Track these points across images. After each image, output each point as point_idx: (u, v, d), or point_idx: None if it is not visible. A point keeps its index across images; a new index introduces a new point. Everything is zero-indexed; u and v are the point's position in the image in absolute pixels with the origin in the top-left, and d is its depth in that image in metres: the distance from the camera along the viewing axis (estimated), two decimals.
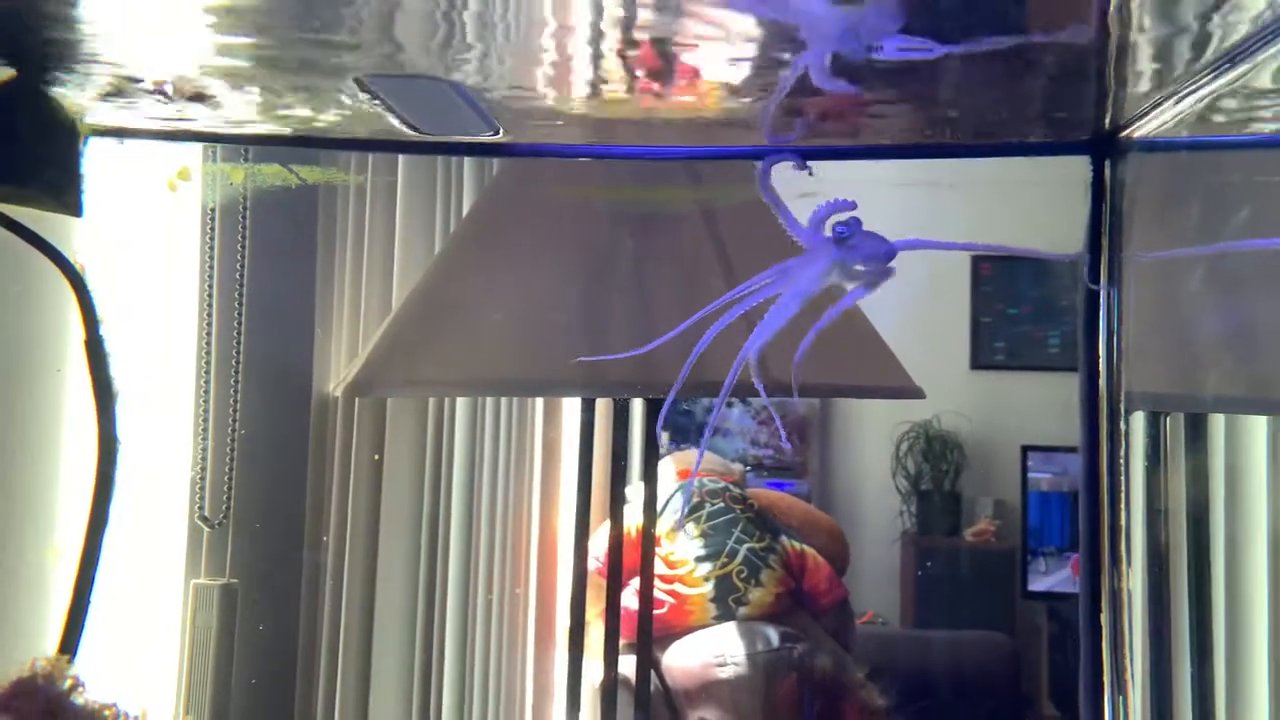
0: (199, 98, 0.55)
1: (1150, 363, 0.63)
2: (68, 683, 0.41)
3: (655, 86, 0.65)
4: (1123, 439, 0.59)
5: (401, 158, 1.25)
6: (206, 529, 1.10)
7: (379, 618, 1.34)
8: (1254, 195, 0.55)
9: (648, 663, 1.31)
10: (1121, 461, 0.59)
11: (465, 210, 1.38)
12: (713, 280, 0.91)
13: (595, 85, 0.63)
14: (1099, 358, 0.61)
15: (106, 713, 0.41)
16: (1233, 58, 0.46)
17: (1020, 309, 3.02)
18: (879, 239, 0.58)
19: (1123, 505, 0.58)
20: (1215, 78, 0.48)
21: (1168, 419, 0.77)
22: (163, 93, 0.53)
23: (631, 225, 0.96)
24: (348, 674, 1.30)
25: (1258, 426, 0.81)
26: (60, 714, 0.39)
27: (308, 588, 1.22)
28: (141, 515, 1.05)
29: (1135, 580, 0.65)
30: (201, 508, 1.09)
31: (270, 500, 1.14)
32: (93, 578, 0.55)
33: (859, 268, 0.58)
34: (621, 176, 0.90)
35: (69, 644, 0.54)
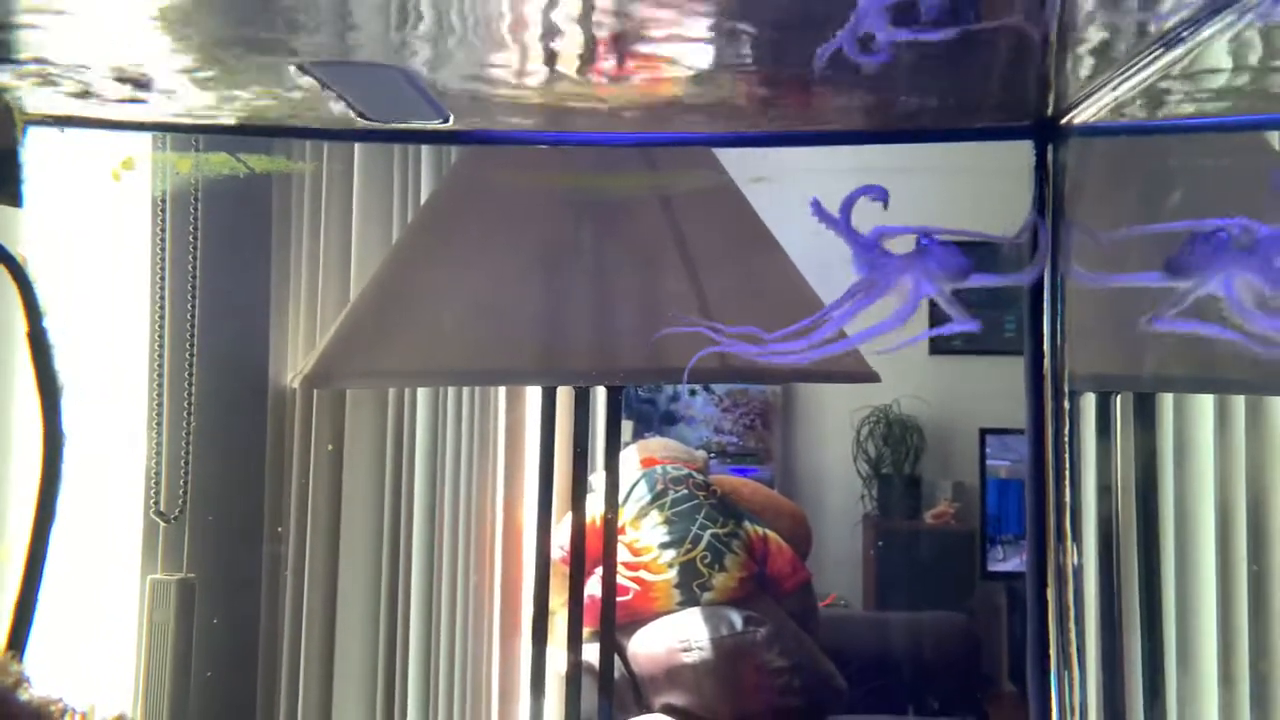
0: (141, 84, 0.54)
1: (1095, 344, 0.64)
2: (11, 679, 0.41)
3: (613, 72, 0.65)
4: (1067, 419, 0.61)
5: (358, 147, 1.24)
6: (162, 524, 1.08)
7: (341, 611, 1.33)
8: (1190, 178, 0.56)
9: (611, 650, 1.32)
10: (1066, 441, 0.60)
11: (422, 199, 1.37)
12: (670, 266, 0.92)
13: (551, 72, 0.63)
14: (1044, 339, 0.62)
15: (53, 708, 0.41)
16: (1169, 42, 0.47)
17: (979, 294, 3.05)
18: (956, 252, 0.59)
19: (1067, 483, 0.59)
20: (1152, 62, 0.49)
21: (1117, 398, 0.79)
22: (104, 80, 0.52)
23: (589, 213, 0.96)
24: (310, 667, 1.29)
25: (1205, 403, 0.83)
26: (5, 709, 0.38)
27: (267, 581, 1.21)
28: (95, 511, 1.03)
29: (1087, 556, 0.67)
30: (157, 503, 1.08)
31: (227, 494, 1.13)
32: (40, 574, 0.55)
33: (939, 276, 0.59)
34: (578, 164, 0.90)
35: (16, 641, 0.54)
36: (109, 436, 1.04)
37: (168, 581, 1.07)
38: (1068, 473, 0.59)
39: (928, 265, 0.58)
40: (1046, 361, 0.61)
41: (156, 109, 0.64)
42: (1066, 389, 0.61)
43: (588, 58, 0.62)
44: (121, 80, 0.55)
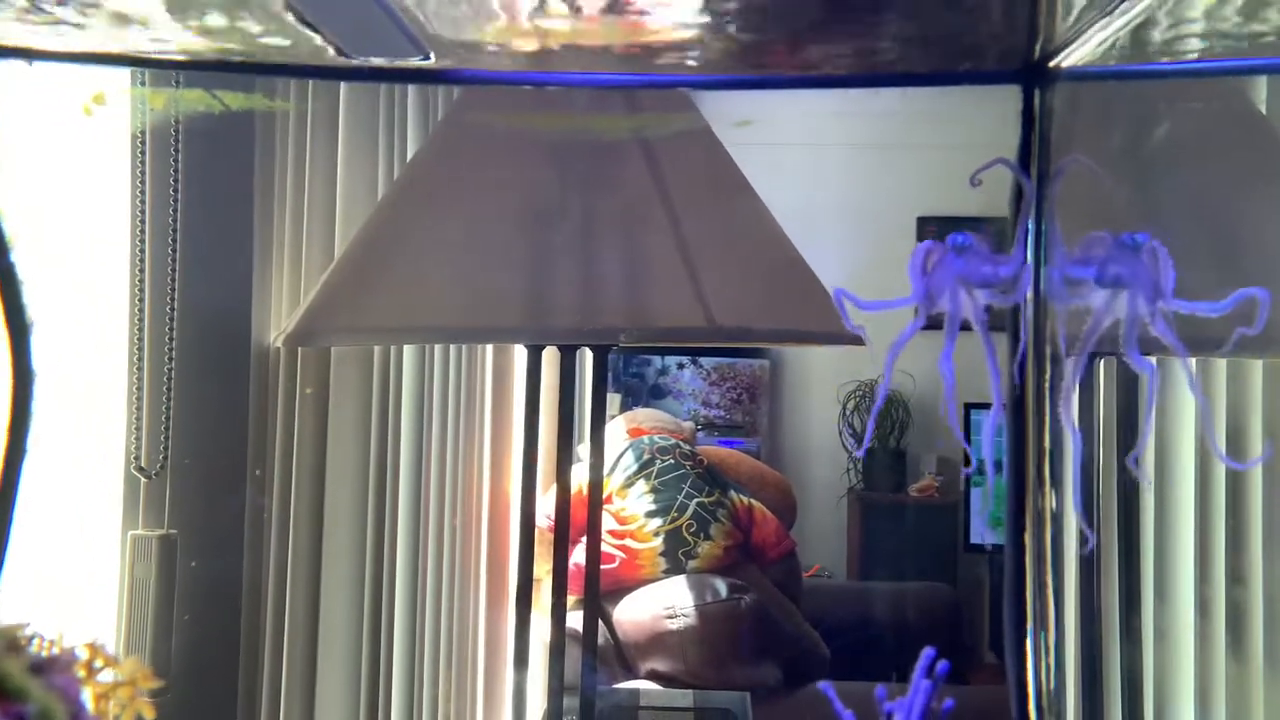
0: (112, 15, 0.53)
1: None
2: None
3: (602, 12, 0.64)
4: (1048, 364, 0.61)
5: (343, 88, 1.22)
6: (143, 480, 1.08)
7: (326, 570, 1.33)
8: (1176, 121, 0.56)
9: (596, 617, 1.32)
10: (1047, 390, 0.61)
11: (409, 144, 1.36)
12: (656, 216, 0.91)
13: (539, 9, 0.62)
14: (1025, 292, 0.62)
15: (18, 634, 0.40)
16: None
17: None
18: (994, 260, 0.58)
19: (1047, 429, 0.60)
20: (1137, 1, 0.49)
21: (1097, 359, 0.79)
22: (72, 9, 0.51)
23: (574, 164, 0.95)
24: (295, 624, 1.29)
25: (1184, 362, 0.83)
26: None
27: (251, 538, 1.20)
28: (74, 466, 1.03)
29: (1065, 503, 0.67)
30: (138, 458, 1.07)
31: (209, 450, 1.12)
32: (10, 513, 0.54)
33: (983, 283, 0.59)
34: (563, 106, 0.89)
35: None
36: (89, 392, 1.03)
37: (149, 537, 1.06)
38: (1047, 419, 0.59)
39: (963, 268, 0.57)
40: (1029, 309, 0.61)
41: (130, 41, 0.63)
42: (1049, 336, 0.61)
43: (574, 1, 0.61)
44: (89, 9, 0.53)
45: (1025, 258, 0.62)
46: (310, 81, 1.15)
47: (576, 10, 0.62)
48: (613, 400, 3.28)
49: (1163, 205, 0.61)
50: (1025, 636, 0.60)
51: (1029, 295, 0.70)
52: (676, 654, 2.01)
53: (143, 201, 0.97)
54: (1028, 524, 0.58)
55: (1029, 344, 0.69)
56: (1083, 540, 0.63)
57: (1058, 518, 0.64)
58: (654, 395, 3.66)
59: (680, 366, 3.63)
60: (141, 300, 1.02)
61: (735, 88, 0.65)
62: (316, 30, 0.55)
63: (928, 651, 0.53)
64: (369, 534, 1.37)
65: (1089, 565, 0.67)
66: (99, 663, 0.48)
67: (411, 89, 1.27)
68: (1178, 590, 0.64)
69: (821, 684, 0.61)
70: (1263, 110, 0.72)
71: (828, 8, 0.61)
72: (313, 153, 1.23)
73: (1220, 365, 0.80)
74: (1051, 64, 0.59)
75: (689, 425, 2.53)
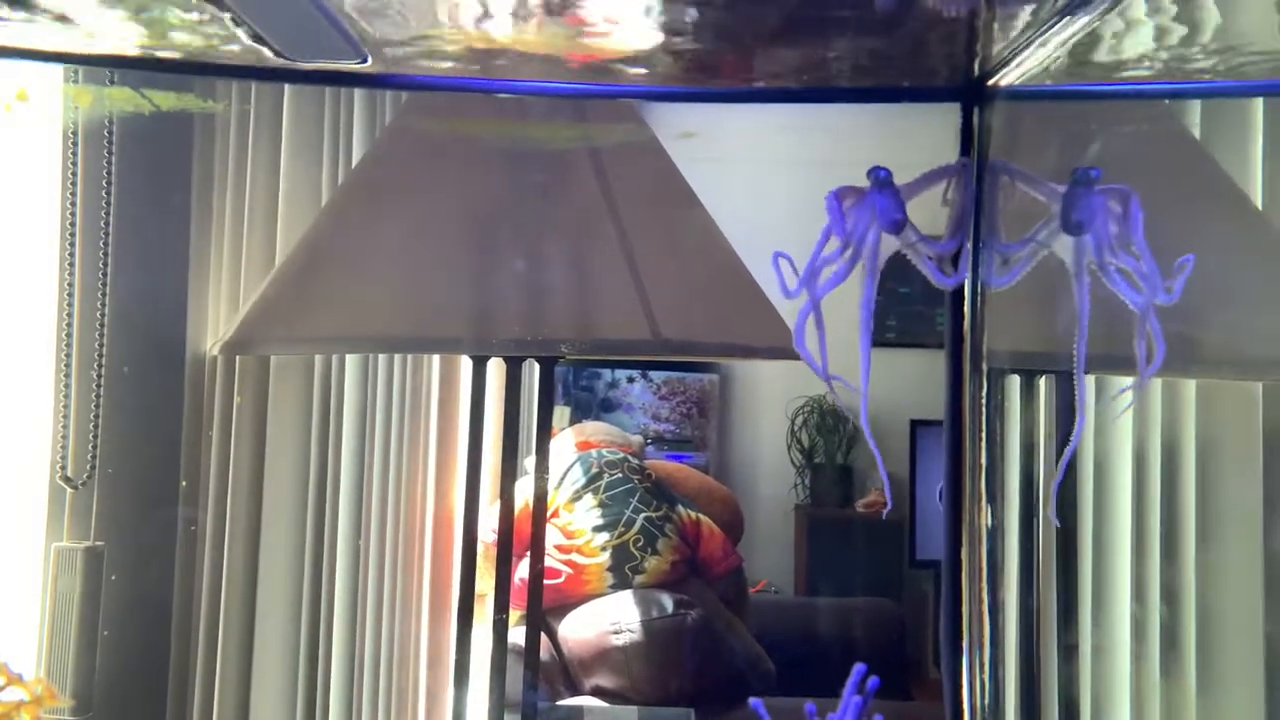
0: (33, 7, 0.51)
1: (1011, 321, 0.65)
2: None
3: (548, 24, 0.64)
4: (984, 381, 0.61)
5: (287, 91, 1.19)
6: (69, 489, 1.04)
7: (262, 586, 1.29)
8: (1110, 141, 0.57)
9: (538, 632, 1.30)
10: (984, 403, 0.61)
11: (354, 149, 1.33)
12: (600, 228, 0.90)
13: (483, 17, 0.61)
14: (964, 307, 0.63)
15: None
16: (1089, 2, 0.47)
17: (910, 288, 3.10)
18: (897, 206, 0.58)
19: (983, 444, 0.60)
20: (1075, 21, 0.50)
21: (1037, 376, 0.80)
22: None
23: (521, 172, 0.95)
24: (228, 645, 1.25)
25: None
26: None
27: (183, 552, 1.17)
28: None
29: (1009, 518, 0.68)
30: (63, 468, 1.03)
31: (139, 460, 1.08)
32: None
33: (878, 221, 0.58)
34: (510, 114, 0.88)
35: None
36: (12, 397, 1.00)
37: (74, 549, 1.03)
38: (984, 437, 0.60)
39: (876, 204, 0.57)
40: (966, 324, 0.61)
41: (64, 39, 0.61)
42: (985, 353, 0.62)
43: (522, 9, 0.60)
44: (20, 5, 0.52)
45: (963, 238, 0.63)
46: (253, 83, 1.13)
47: (522, 18, 0.62)
48: (562, 413, 3.26)
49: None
50: (961, 653, 0.60)
51: (965, 310, 0.71)
52: (621, 670, 1.99)
53: (73, 202, 0.94)
54: (964, 540, 0.58)
55: (965, 359, 0.70)
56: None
57: (994, 533, 0.65)
58: (604, 408, 3.65)
59: (630, 380, 3.62)
60: (70, 303, 0.98)
61: (682, 100, 0.65)
62: (253, 30, 0.53)
63: (859, 667, 0.53)
64: (307, 548, 1.34)
65: (1028, 582, 0.67)
66: (1, 680, 0.46)
67: (358, 93, 1.25)
68: (1113, 607, 0.65)
69: (753, 701, 0.61)
70: (1195, 134, 0.73)
71: (776, 24, 0.61)
72: (254, 156, 1.20)
73: (1154, 381, 0.81)
74: (990, 82, 0.60)
75: (638, 439, 2.53)
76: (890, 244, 0.64)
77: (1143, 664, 0.64)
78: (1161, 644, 0.63)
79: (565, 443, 2.43)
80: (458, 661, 1.26)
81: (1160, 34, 0.55)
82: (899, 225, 0.58)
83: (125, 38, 0.59)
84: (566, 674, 2.09)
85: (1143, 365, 0.56)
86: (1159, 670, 0.64)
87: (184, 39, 0.60)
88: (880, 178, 0.57)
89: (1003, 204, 0.63)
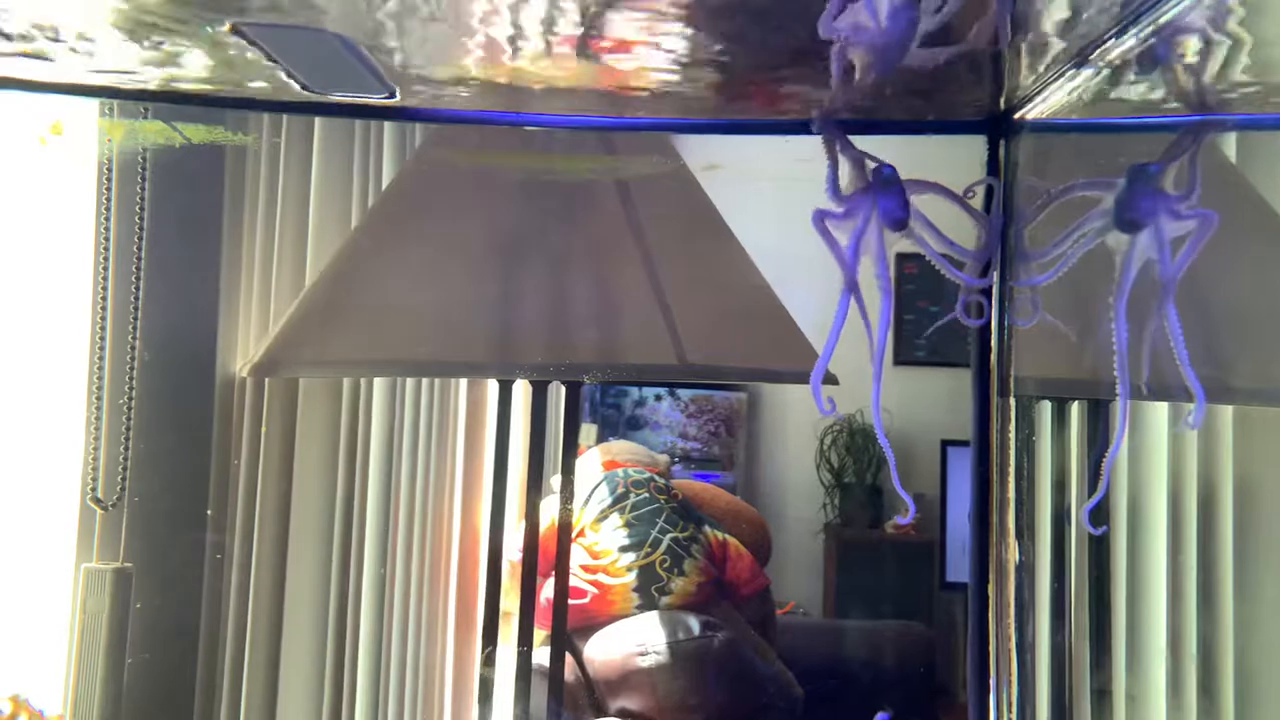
0: (65, 42, 0.51)
1: (1041, 347, 0.64)
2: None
3: (577, 58, 0.64)
4: (1012, 416, 0.60)
5: (318, 123, 1.21)
6: (99, 511, 1.05)
7: (289, 608, 1.30)
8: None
9: (562, 653, 1.30)
10: (1011, 438, 0.60)
11: (384, 180, 1.34)
12: (627, 256, 0.90)
13: (515, 52, 0.62)
14: (990, 341, 0.62)
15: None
16: (1119, 33, 0.46)
17: (942, 306, 3.07)
18: (900, 204, 0.57)
19: (1011, 480, 0.59)
20: (1102, 56, 0.49)
21: (1069, 404, 0.79)
22: (4, 35, 0.50)
23: (548, 202, 0.95)
24: (255, 661, 1.25)
25: (1160, 408, 0.83)
26: None
27: (210, 573, 1.17)
28: (29, 496, 1.00)
29: (1041, 555, 0.66)
30: (94, 489, 1.05)
31: (169, 483, 1.09)
32: None
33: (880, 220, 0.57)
34: (537, 146, 0.88)
35: None
36: (45, 419, 1.01)
37: (103, 570, 1.03)
38: (1011, 470, 0.58)
39: (879, 202, 0.56)
40: (993, 359, 0.60)
41: (91, 72, 0.62)
42: (1012, 387, 0.61)
43: (551, 43, 0.60)
44: (44, 37, 0.52)
45: (994, 248, 0.61)
46: (284, 116, 1.14)
47: (549, 53, 0.62)
48: (589, 431, 3.26)
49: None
50: (989, 690, 0.59)
51: (993, 344, 0.70)
52: (647, 692, 1.97)
53: (107, 230, 0.96)
54: (991, 575, 0.57)
55: (992, 389, 0.69)
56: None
57: (1023, 569, 0.63)
58: (631, 426, 3.64)
59: (658, 398, 3.61)
60: (103, 328, 1.00)
61: (707, 132, 0.65)
62: (278, 62, 0.54)
63: (881, 716, 0.51)
64: (334, 569, 1.35)
65: (1059, 619, 0.66)
66: (23, 716, 0.46)
67: (388, 125, 1.27)
68: (1148, 654, 0.63)
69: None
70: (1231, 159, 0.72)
71: (799, 56, 0.60)
72: (285, 185, 1.22)
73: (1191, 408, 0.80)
74: (1016, 116, 0.59)
75: (664, 459, 2.51)
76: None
77: (1178, 715, 0.62)
78: (1198, 696, 0.62)
79: (592, 461, 2.43)
80: (482, 683, 1.26)
81: (1190, 70, 0.54)
82: (901, 224, 0.56)
83: (157, 73, 0.60)
84: (592, 695, 2.08)
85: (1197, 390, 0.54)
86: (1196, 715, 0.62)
87: (215, 73, 0.60)
88: (885, 175, 0.56)
89: (1034, 215, 0.61)
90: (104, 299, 0.99)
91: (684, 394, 3.50)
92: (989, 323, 0.66)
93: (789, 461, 3.31)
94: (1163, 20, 0.44)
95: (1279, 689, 0.57)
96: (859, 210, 0.56)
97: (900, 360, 3.14)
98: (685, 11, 0.51)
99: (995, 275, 0.65)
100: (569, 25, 0.56)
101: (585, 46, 0.60)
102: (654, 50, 0.57)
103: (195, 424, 1.13)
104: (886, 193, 0.58)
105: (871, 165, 0.57)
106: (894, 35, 0.51)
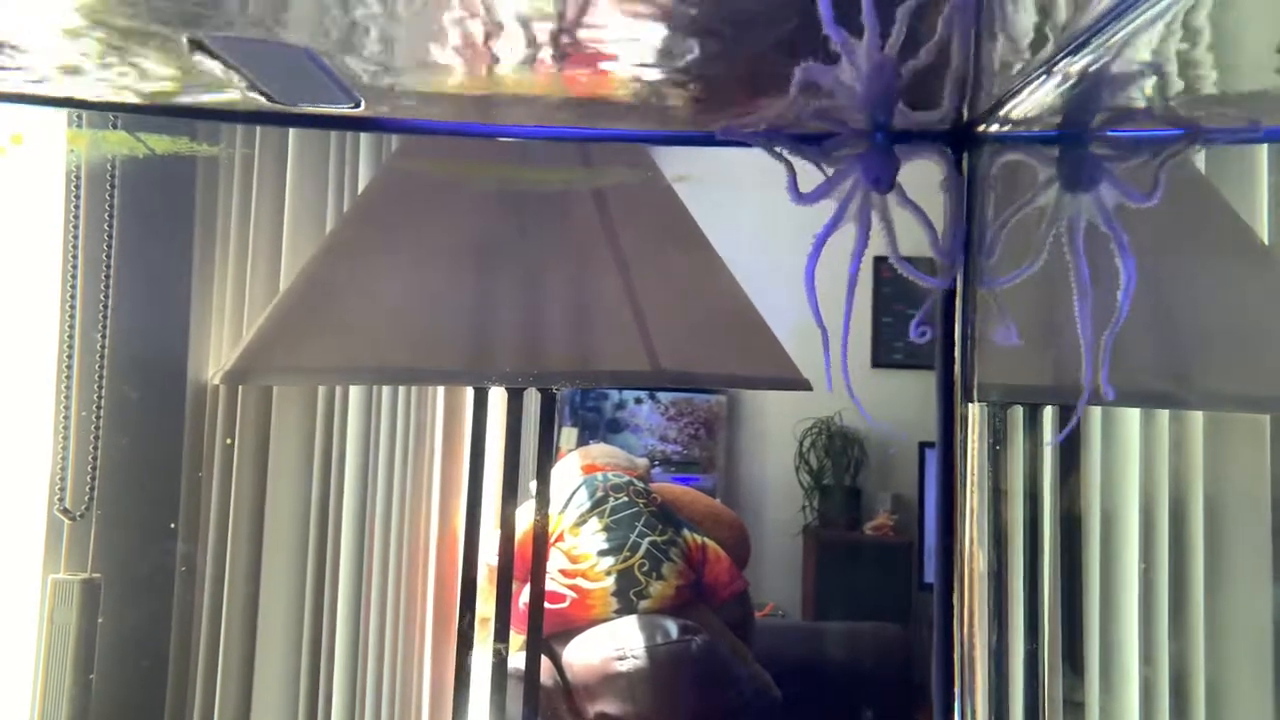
0: (25, 53, 0.51)
1: (1009, 351, 0.64)
2: None
3: (552, 69, 0.64)
4: (976, 425, 0.60)
5: (292, 134, 1.20)
6: (67, 521, 1.03)
7: (262, 619, 1.29)
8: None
9: (537, 658, 1.29)
10: (976, 447, 0.60)
11: (360, 190, 1.34)
12: (602, 265, 0.90)
13: (491, 63, 0.61)
14: (954, 347, 0.62)
15: None
16: (1082, 47, 0.47)
17: (918, 310, 3.09)
18: (884, 165, 0.57)
19: (973, 489, 0.59)
20: (1066, 69, 0.49)
21: (1041, 410, 0.79)
22: None
23: (522, 210, 0.94)
24: (228, 673, 1.24)
25: (1130, 410, 0.83)
26: None
27: (181, 584, 1.16)
28: None
29: (1013, 564, 0.66)
30: (62, 499, 1.03)
31: (138, 493, 1.08)
32: None
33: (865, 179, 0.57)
34: (511, 157, 0.88)
35: None
36: (12, 429, 1.00)
37: (70, 581, 1.02)
38: (974, 478, 0.59)
39: (866, 162, 0.56)
40: (956, 368, 0.60)
41: (59, 84, 0.61)
42: (976, 395, 0.61)
43: (529, 54, 0.60)
44: (8, 47, 0.51)
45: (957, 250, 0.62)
46: (256, 127, 1.14)
47: (523, 60, 0.62)
48: (569, 434, 3.25)
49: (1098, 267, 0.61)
50: (953, 701, 0.59)
51: (955, 354, 0.70)
52: (626, 696, 1.97)
53: (75, 239, 0.94)
54: (955, 582, 0.57)
55: (954, 396, 0.69)
56: None
57: (998, 576, 0.63)
58: (611, 429, 3.64)
59: (638, 401, 3.61)
60: (71, 337, 0.99)
61: (679, 144, 0.65)
62: (240, 73, 0.53)
63: None
64: (308, 582, 1.33)
65: (1033, 629, 0.66)
66: None
67: (363, 134, 1.26)
68: (1121, 666, 0.63)
69: None
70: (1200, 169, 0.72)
71: (764, 68, 0.60)
72: (259, 194, 1.21)
73: (1162, 420, 0.80)
74: (979, 128, 0.59)
75: (643, 462, 2.51)
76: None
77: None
78: (1172, 710, 0.62)
79: (571, 465, 2.42)
80: (458, 688, 1.25)
81: (1158, 83, 0.55)
82: (880, 185, 0.56)
83: (124, 85, 0.59)
84: (570, 699, 2.08)
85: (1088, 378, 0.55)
86: None
87: (183, 85, 0.60)
88: (878, 141, 0.56)
89: (996, 217, 0.62)
90: (72, 308, 0.97)
91: (664, 397, 3.50)
92: (952, 328, 0.66)
93: (768, 464, 3.33)
94: (1119, 38, 0.45)
95: (1249, 698, 0.58)
96: (847, 174, 0.56)
97: (879, 363, 3.16)
98: (663, 22, 0.51)
99: (959, 280, 0.66)
100: (543, 34, 0.56)
101: (560, 55, 0.60)
102: (626, 64, 0.57)
103: (165, 433, 1.12)
104: (872, 153, 0.58)
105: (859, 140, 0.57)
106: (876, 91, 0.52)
